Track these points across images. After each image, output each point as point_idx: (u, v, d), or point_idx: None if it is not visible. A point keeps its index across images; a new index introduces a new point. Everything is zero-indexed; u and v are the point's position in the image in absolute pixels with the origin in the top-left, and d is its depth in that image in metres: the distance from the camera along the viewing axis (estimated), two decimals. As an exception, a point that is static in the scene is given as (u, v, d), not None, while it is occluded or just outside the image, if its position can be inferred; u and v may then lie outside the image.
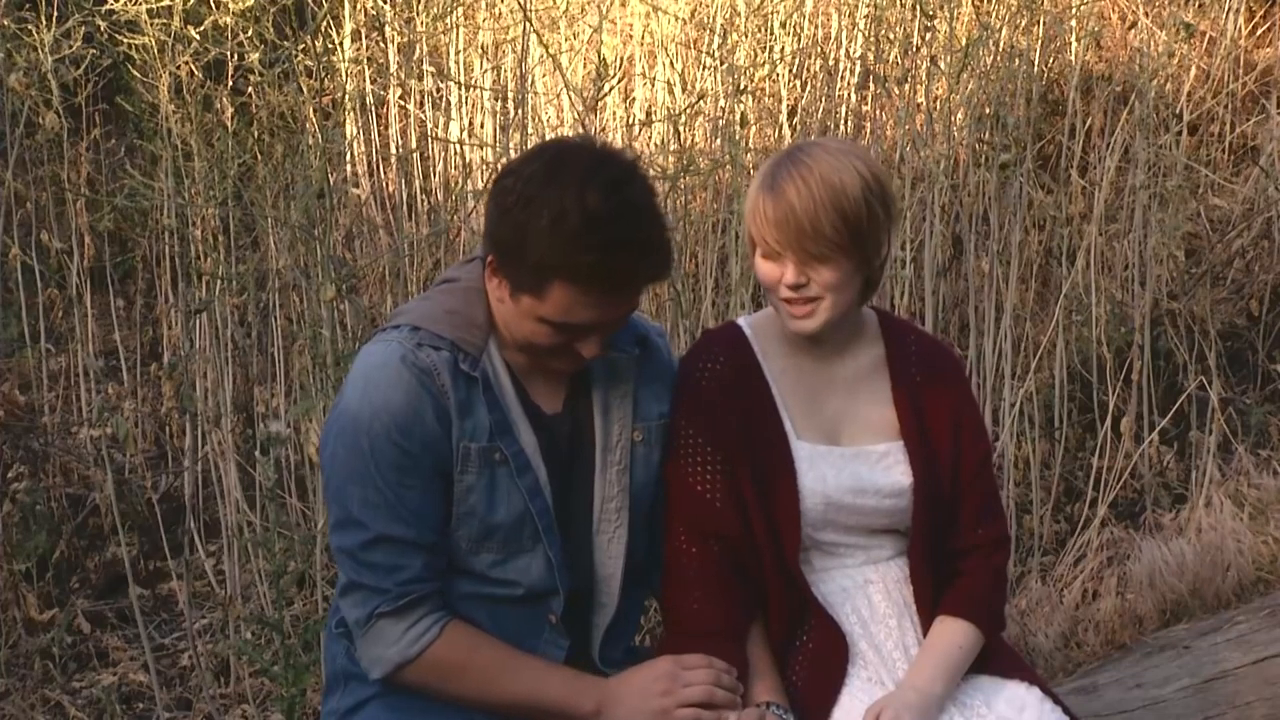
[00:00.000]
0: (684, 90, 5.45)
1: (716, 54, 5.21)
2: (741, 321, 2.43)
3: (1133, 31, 6.21)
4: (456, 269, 2.35)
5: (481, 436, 2.22)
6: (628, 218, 2.10)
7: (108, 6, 4.95)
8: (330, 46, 5.25)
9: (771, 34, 5.56)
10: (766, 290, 2.33)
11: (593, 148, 2.20)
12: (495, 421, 2.22)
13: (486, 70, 5.73)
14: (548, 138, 5.05)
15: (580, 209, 2.07)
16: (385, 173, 5.77)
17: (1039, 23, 5.37)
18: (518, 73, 5.18)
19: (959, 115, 5.01)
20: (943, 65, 4.91)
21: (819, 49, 5.66)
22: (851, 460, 2.34)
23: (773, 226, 2.23)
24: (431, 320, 2.24)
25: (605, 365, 2.32)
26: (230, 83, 5.04)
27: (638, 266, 2.14)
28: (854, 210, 2.23)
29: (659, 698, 2.19)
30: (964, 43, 4.86)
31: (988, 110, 4.83)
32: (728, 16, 5.37)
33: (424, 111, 5.74)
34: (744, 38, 5.37)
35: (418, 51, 5.74)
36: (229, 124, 4.82)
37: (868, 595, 2.36)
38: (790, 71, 5.59)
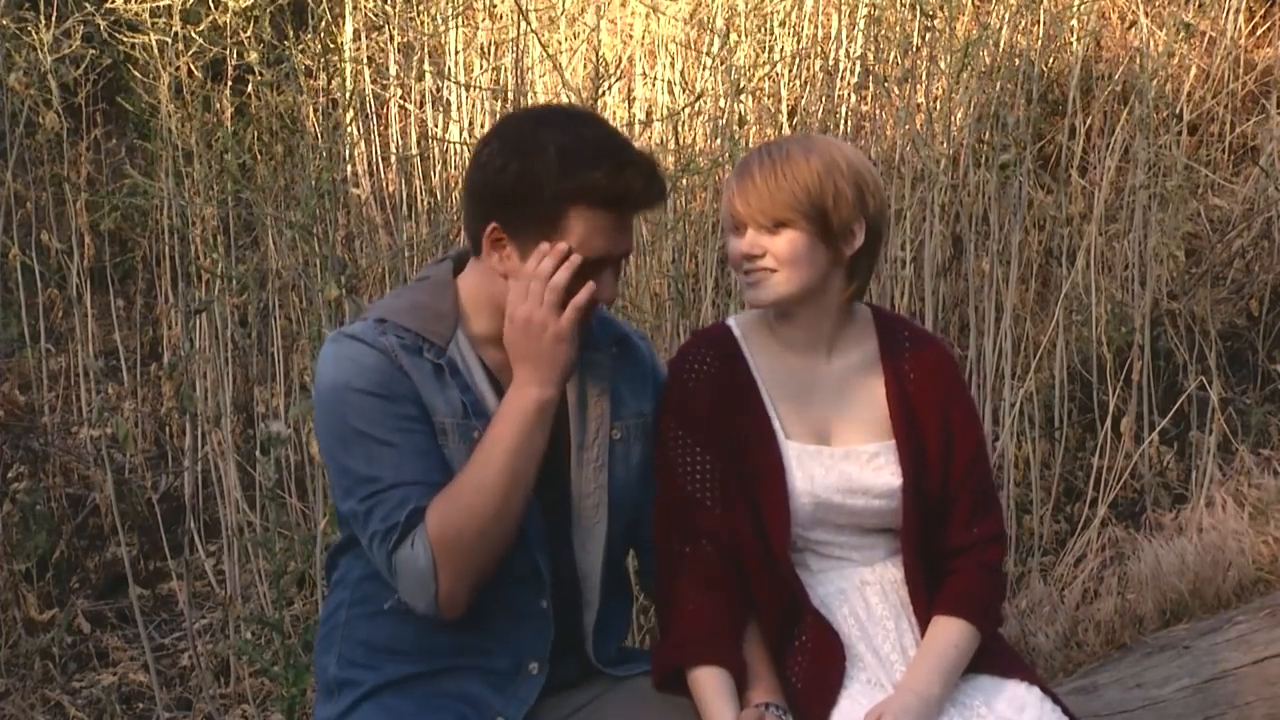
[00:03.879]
0: (684, 90, 5.45)
1: (716, 54, 5.21)
2: (731, 321, 2.44)
3: (1133, 31, 6.21)
4: (429, 268, 2.40)
5: (455, 414, 2.24)
6: (625, 143, 2.24)
7: (107, 6, 4.95)
8: (330, 46, 5.25)
9: (771, 34, 5.56)
10: (732, 269, 2.35)
11: (555, 104, 2.36)
12: (469, 402, 2.25)
13: (486, 70, 5.73)
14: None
15: (581, 139, 2.19)
16: (385, 173, 5.77)
17: (1039, 23, 5.37)
18: (517, 72, 5.18)
19: (959, 115, 5.01)
20: (943, 65, 4.91)
21: (819, 49, 5.66)
22: (841, 460, 2.34)
23: (735, 196, 2.30)
24: (396, 313, 2.28)
25: (582, 364, 2.32)
26: (230, 83, 5.04)
27: (646, 184, 2.21)
28: (811, 180, 2.26)
29: (534, 321, 2.17)
30: (964, 43, 4.86)
31: (988, 110, 4.83)
32: (728, 16, 5.36)
33: (424, 111, 5.74)
34: (744, 38, 5.37)
35: (418, 51, 5.74)
36: (229, 124, 4.82)
37: (865, 597, 2.35)
38: (790, 71, 5.59)
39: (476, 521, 2.17)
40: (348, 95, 5.25)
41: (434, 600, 2.19)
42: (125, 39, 5.00)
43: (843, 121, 5.47)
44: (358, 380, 2.20)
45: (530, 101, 5.08)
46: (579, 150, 2.17)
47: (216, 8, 4.88)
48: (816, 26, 5.78)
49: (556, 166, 2.16)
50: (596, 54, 5.29)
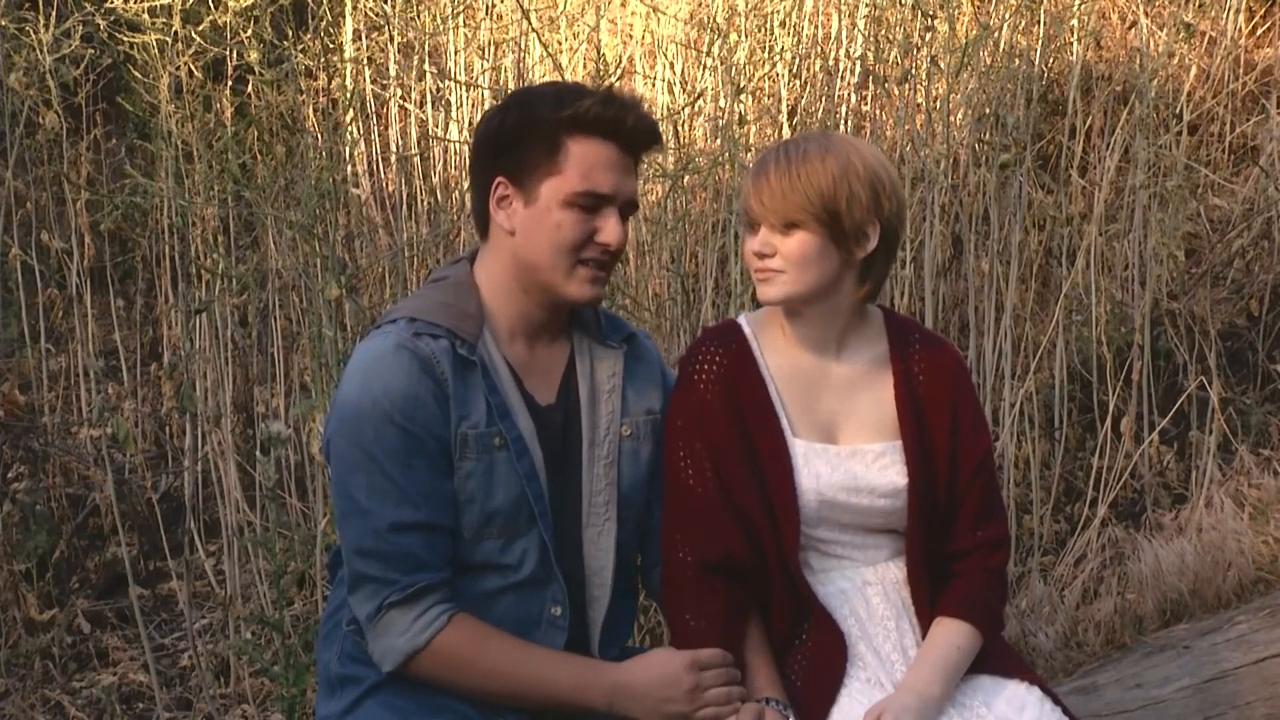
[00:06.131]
0: (684, 90, 5.45)
1: (716, 54, 5.21)
2: (741, 319, 2.44)
3: (1133, 31, 6.21)
4: (446, 268, 2.41)
5: (480, 423, 2.25)
6: (612, 88, 2.36)
7: (107, 5, 4.95)
8: (330, 46, 5.26)
9: (771, 34, 5.56)
10: (746, 266, 2.37)
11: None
12: (494, 405, 2.26)
13: (486, 70, 5.73)
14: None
15: (571, 85, 2.35)
16: (385, 173, 5.77)
17: (1039, 23, 5.37)
18: (517, 72, 5.18)
19: (959, 115, 5.01)
20: (943, 65, 4.91)
21: (819, 49, 5.65)
22: (847, 459, 2.34)
23: (750, 193, 2.31)
24: (426, 312, 2.29)
25: (593, 361, 2.37)
26: (230, 83, 5.04)
27: (635, 115, 2.29)
28: (825, 183, 2.26)
29: (678, 701, 2.21)
30: (964, 43, 4.85)
31: (988, 110, 4.83)
32: (728, 16, 5.36)
33: (424, 111, 5.74)
34: (744, 38, 5.37)
35: (418, 51, 5.74)
36: (229, 124, 4.82)
37: (866, 597, 2.35)
38: (790, 71, 5.59)
39: (481, 674, 2.23)
40: (348, 95, 5.25)
41: (391, 665, 2.23)
42: (125, 39, 5.00)
43: (843, 121, 5.47)
44: (385, 401, 2.21)
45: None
46: (572, 88, 2.31)
47: (216, 8, 4.88)
48: (816, 26, 5.78)
49: (552, 100, 2.27)
50: (597, 54, 5.29)
